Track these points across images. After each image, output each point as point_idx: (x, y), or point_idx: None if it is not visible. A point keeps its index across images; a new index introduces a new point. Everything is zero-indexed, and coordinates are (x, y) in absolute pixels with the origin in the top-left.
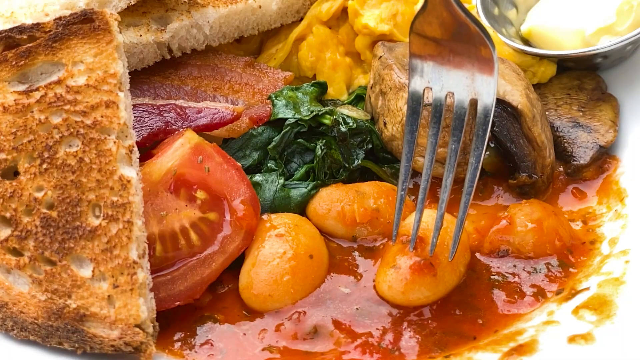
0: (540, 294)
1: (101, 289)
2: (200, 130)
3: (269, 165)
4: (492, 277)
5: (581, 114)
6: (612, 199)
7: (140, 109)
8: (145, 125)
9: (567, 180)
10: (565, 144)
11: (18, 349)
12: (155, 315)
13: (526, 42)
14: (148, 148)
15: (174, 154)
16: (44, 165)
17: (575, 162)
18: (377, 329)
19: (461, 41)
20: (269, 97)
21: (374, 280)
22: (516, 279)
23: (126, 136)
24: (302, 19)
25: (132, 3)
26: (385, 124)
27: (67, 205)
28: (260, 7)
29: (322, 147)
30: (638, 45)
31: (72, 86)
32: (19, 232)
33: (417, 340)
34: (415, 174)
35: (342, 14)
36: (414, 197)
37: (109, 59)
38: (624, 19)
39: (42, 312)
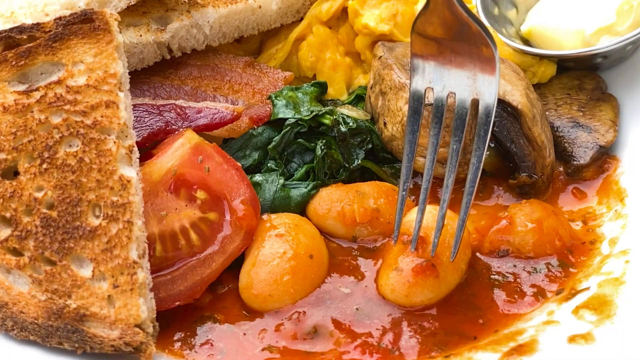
0: (540, 294)
1: (101, 289)
2: (200, 130)
3: (269, 165)
4: (492, 277)
5: (581, 114)
6: (612, 199)
7: (140, 109)
8: (145, 125)
9: (567, 180)
10: (565, 144)
11: (18, 349)
12: (155, 315)
13: (526, 42)
14: (148, 148)
15: (174, 154)
16: (44, 165)
17: (575, 162)
18: (377, 329)
19: (463, 41)
20: (269, 97)
21: (375, 281)
22: (516, 279)
23: (126, 136)
24: (302, 19)
25: (132, 3)
26: (385, 124)
27: (67, 205)
28: (260, 7)
29: (322, 147)
30: (638, 45)
31: (72, 86)
32: (19, 232)
33: (417, 340)
34: (416, 174)
35: (342, 14)
36: (414, 197)
37: (109, 59)
38: (624, 19)
39: (42, 312)
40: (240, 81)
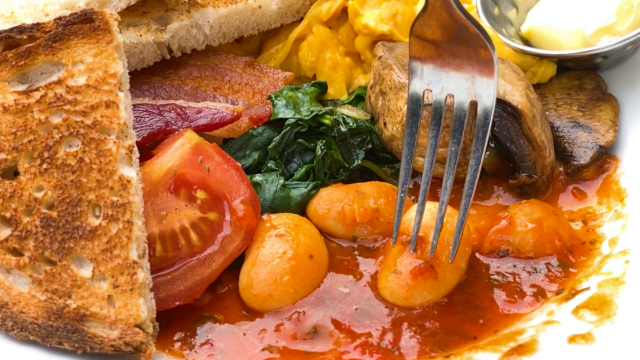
0: (540, 294)
1: (101, 289)
2: (200, 130)
3: (269, 165)
4: (492, 277)
5: (581, 114)
6: (612, 199)
7: (140, 109)
8: (145, 125)
9: (567, 180)
10: (565, 144)
11: (18, 349)
12: (155, 315)
13: (526, 42)
14: (148, 148)
15: (174, 154)
16: (44, 165)
17: (575, 162)
18: (376, 329)
19: (461, 43)
20: (269, 97)
21: (371, 280)
22: (516, 279)
23: (126, 136)
24: (302, 19)
25: (132, 3)
26: (385, 124)
27: (67, 205)
28: (260, 7)
29: (322, 147)
30: (638, 45)
31: (72, 86)
32: (19, 232)
33: (417, 340)
34: (415, 173)
35: (342, 14)
36: (414, 197)
37: (109, 59)
38: (624, 19)
39: (42, 312)
40: (240, 81)
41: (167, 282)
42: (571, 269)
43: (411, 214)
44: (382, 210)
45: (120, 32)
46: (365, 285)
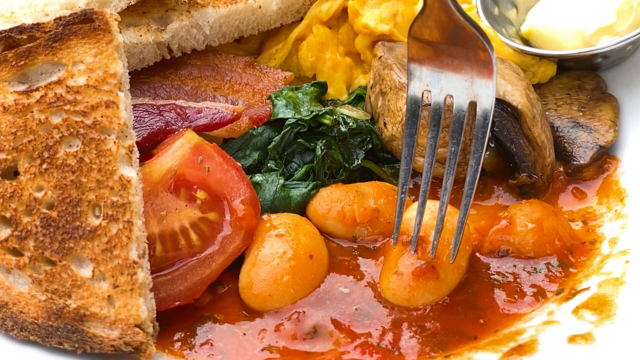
0: (540, 294)
1: (101, 289)
2: (200, 130)
3: (269, 165)
4: (492, 277)
5: (581, 114)
6: (612, 199)
7: (140, 109)
8: (145, 125)
9: (567, 180)
10: (565, 144)
11: (18, 349)
12: (155, 315)
13: (526, 42)
14: (148, 148)
15: (174, 154)
16: (44, 165)
17: (575, 162)
18: (376, 329)
19: (459, 45)
20: (269, 97)
21: (371, 280)
22: (516, 279)
23: (126, 136)
24: (302, 19)
25: (132, 3)
26: (385, 124)
27: (67, 205)
28: (260, 7)
29: (322, 147)
30: (638, 45)
31: (72, 86)
32: (19, 232)
33: (417, 340)
34: (415, 174)
35: (342, 14)
36: (414, 197)
37: (109, 59)
38: (624, 19)
39: (42, 312)
40: (240, 81)
41: (167, 282)
42: (571, 269)
43: (411, 213)
44: (382, 210)
45: (120, 32)
46: (365, 286)
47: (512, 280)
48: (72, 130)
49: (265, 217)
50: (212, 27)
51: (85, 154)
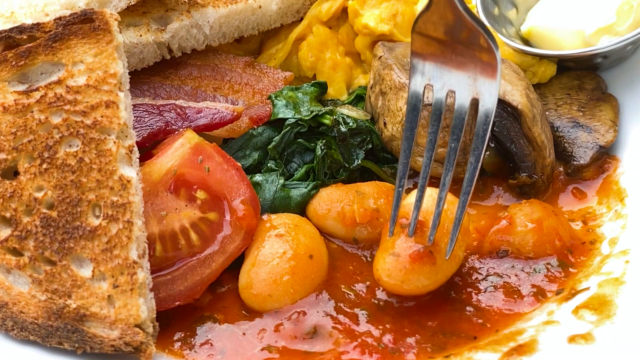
0: (540, 294)
1: (101, 289)
2: (200, 130)
3: (269, 165)
4: (492, 277)
5: (581, 114)
6: (612, 199)
7: (140, 109)
8: (145, 125)
9: (567, 180)
10: (565, 144)
11: (18, 349)
12: (155, 315)
13: (526, 42)
14: (148, 148)
15: (174, 154)
16: (44, 165)
17: (575, 162)
18: (376, 329)
19: (464, 43)
20: (269, 97)
21: (371, 280)
22: (516, 279)
23: (126, 136)
24: (302, 19)
25: (132, 3)
26: (385, 124)
27: (67, 205)
28: (260, 7)
29: (322, 147)
30: (638, 45)
31: (72, 86)
32: (19, 232)
33: (416, 340)
34: (415, 174)
35: (342, 14)
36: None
37: (109, 59)
38: (624, 19)
39: (42, 312)
40: (240, 81)
41: (167, 282)
42: (571, 269)
43: (410, 198)
44: (382, 211)
45: (120, 32)
46: (365, 286)
47: (512, 280)
48: (72, 130)
49: (265, 217)
50: (212, 27)
51: (85, 154)
